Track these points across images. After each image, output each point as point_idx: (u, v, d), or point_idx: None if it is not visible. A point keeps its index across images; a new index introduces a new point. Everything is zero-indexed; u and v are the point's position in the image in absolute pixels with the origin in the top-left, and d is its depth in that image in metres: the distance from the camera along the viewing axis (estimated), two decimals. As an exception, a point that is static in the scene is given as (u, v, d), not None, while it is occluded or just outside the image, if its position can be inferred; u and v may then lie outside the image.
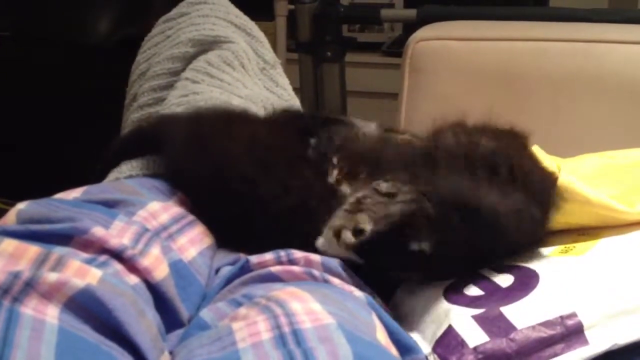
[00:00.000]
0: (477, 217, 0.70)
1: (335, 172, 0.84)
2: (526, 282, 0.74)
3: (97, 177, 0.95)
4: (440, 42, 1.37)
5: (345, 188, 0.82)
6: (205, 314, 0.65)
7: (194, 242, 0.78)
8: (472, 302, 0.74)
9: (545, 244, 0.81)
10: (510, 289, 0.74)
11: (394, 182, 0.76)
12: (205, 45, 1.14)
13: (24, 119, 2.08)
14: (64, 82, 2.01)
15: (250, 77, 1.13)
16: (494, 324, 0.69)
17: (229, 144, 0.82)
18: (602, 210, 0.78)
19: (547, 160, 0.82)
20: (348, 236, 0.72)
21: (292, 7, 1.91)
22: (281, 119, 0.96)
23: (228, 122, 0.88)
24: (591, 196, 0.78)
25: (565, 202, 0.78)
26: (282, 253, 0.75)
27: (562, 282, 0.72)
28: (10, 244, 0.60)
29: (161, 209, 0.78)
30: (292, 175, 0.82)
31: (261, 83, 1.17)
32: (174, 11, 1.24)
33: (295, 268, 0.71)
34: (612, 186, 0.86)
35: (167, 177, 0.88)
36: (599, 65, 1.25)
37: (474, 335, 0.69)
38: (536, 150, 0.83)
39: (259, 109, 1.05)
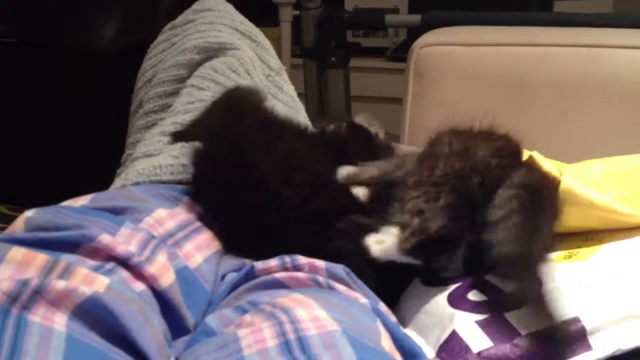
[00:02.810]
0: None
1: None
2: (530, 288, 0.74)
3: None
4: (445, 48, 1.38)
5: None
6: (211, 320, 0.66)
7: (200, 248, 0.78)
8: (475, 307, 0.74)
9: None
10: (513, 294, 0.74)
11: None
12: (211, 52, 1.14)
13: (28, 126, 2.09)
14: (70, 88, 2.02)
15: (255, 84, 1.14)
16: (498, 329, 0.70)
17: (263, 161, 0.82)
18: (606, 213, 0.79)
19: (549, 166, 0.82)
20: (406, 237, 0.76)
21: (296, 12, 1.91)
22: (327, 135, 0.96)
23: (270, 130, 0.88)
24: (595, 199, 0.78)
25: (570, 205, 0.78)
26: (287, 259, 0.75)
27: (565, 288, 0.72)
28: (18, 251, 0.61)
29: (167, 216, 0.79)
30: (315, 191, 0.82)
31: (266, 90, 1.17)
32: (180, 18, 1.25)
33: (300, 274, 0.72)
34: (617, 190, 0.86)
35: (189, 181, 0.89)
36: (603, 70, 1.25)
37: (477, 341, 0.69)
38: (536, 155, 0.83)
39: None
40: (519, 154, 0.85)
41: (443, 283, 0.80)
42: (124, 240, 0.69)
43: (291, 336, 0.56)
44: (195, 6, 1.26)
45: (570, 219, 0.78)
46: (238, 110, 0.92)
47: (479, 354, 0.68)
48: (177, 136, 0.99)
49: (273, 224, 0.80)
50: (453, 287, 0.78)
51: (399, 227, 0.77)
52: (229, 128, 0.88)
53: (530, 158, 0.84)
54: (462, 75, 1.35)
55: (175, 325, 0.67)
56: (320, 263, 0.74)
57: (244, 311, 0.65)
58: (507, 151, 0.84)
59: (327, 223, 0.81)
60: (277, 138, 0.87)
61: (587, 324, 0.67)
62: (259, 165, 0.81)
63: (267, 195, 0.80)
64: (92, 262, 0.64)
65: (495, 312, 0.72)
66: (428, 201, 0.78)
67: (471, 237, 0.76)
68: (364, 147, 0.93)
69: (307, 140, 0.93)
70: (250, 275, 0.74)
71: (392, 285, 0.85)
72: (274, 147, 0.84)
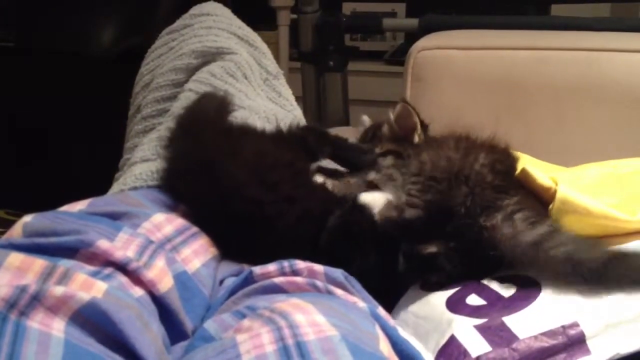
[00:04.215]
0: None
1: None
2: (528, 292, 0.74)
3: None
4: (442, 52, 1.38)
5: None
6: (210, 325, 0.66)
7: (197, 253, 0.78)
8: (474, 311, 0.74)
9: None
10: (512, 298, 0.74)
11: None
12: (208, 57, 1.14)
13: (27, 129, 2.09)
14: (68, 93, 2.02)
15: (253, 88, 1.14)
16: (496, 333, 0.70)
17: (234, 168, 0.82)
18: (603, 220, 0.79)
19: (543, 177, 0.82)
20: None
21: (294, 16, 1.91)
22: (286, 135, 0.96)
23: (231, 139, 0.88)
24: (591, 207, 0.78)
25: (566, 214, 0.78)
26: (286, 264, 0.75)
27: (563, 292, 0.72)
28: (16, 257, 0.61)
29: (165, 221, 0.79)
30: (296, 187, 0.82)
31: (264, 94, 1.17)
32: (177, 23, 1.25)
33: (298, 279, 0.72)
34: (613, 195, 0.86)
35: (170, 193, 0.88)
36: (601, 74, 1.25)
37: (476, 345, 0.69)
38: (530, 169, 0.84)
39: (261, 120, 1.06)
40: (513, 169, 0.87)
41: (441, 287, 0.80)
42: (122, 245, 0.69)
43: (290, 341, 0.56)
44: (192, 11, 1.26)
45: (568, 228, 0.79)
46: (194, 128, 0.91)
47: (477, 358, 0.68)
48: None
49: (260, 230, 0.81)
50: (451, 291, 0.79)
51: (389, 197, 0.83)
52: (191, 147, 0.87)
53: (524, 172, 0.84)
54: (459, 78, 1.36)
55: (174, 330, 0.67)
56: (318, 267, 0.74)
57: (243, 316, 0.64)
58: (504, 165, 0.87)
59: (316, 223, 0.81)
60: (241, 144, 0.87)
61: (586, 328, 0.67)
62: (231, 173, 0.81)
63: (248, 201, 0.80)
64: (90, 268, 0.64)
65: (494, 317, 0.72)
66: (420, 190, 0.83)
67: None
68: (323, 143, 0.96)
69: (271, 141, 0.93)
70: (249, 280, 0.74)
71: (391, 289, 0.85)
72: (241, 153, 0.84)
